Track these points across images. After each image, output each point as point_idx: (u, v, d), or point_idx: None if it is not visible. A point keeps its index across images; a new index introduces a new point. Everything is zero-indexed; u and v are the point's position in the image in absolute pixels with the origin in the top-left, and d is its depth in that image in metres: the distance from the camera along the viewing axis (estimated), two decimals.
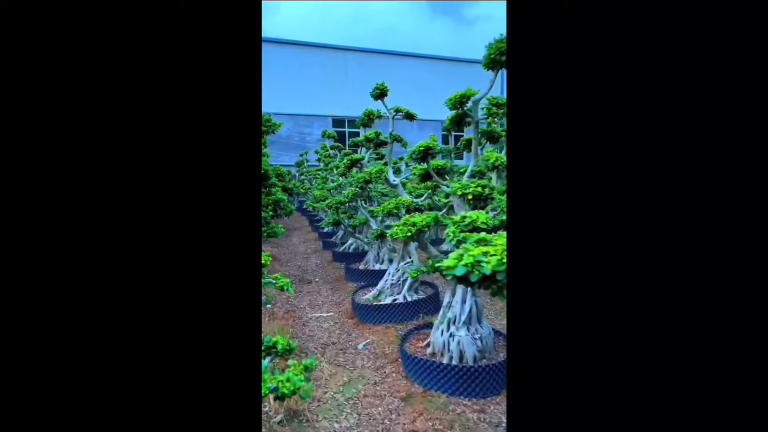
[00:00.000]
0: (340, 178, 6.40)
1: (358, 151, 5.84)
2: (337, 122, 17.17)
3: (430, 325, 3.20)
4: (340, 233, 7.27)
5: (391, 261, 5.34)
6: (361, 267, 5.29)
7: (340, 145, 8.14)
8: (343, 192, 4.66)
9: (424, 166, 2.72)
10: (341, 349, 3.33)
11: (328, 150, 8.63)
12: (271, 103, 13.88)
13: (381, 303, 3.83)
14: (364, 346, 3.35)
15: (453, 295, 2.72)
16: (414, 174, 3.22)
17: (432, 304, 3.86)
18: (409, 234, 2.53)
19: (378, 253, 5.31)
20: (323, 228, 6.39)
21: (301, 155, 12.20)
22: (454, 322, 2.62)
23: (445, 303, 2.72)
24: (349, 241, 6.52)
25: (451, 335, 2.60)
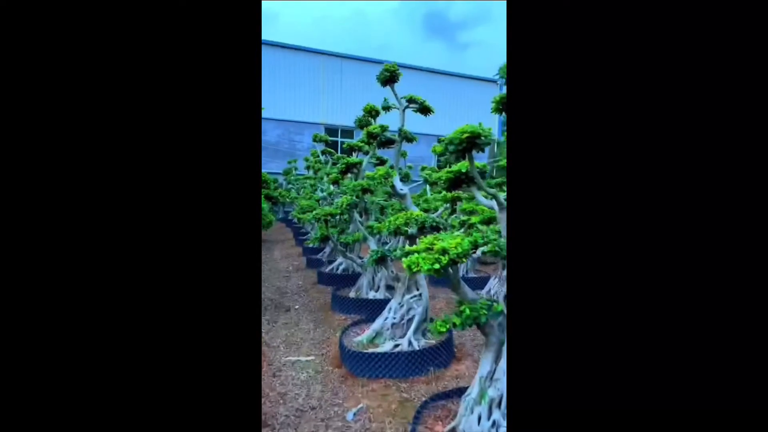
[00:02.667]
0: (332, 187, 5.51)
1: (354, 155, 4.97)
2: (330, 132, 16.36)
3: (452, 394, 2.28)
4: (328, 250, 6.33)
5: (389, 288, 4.42)
6: (352, 294, 4.35)
7: (332, 150, 7.29)
8: (335, 201, 3.76)
9: (462, 165, 1.85)
10: (323, 419, 2.38)
11: (318, 156, 7.76)
12: None
13: (378, 351, 2.90)
14: (354, 415, 2.41)
15: (496, 360, 1.81)
16: (435, 180, 2.35)
17: (446, 352, 2.94)
18: (437, 266, 1.64)
19: (373, 278, 4.39)
20: (310, 244, 5.46)
21: (290, 162, 11.38)
22: (499, 404, 1.71)
23: (483, 373, 1.81)
24: (338, 260, 5.58)
25: (494, 425, 1.68)
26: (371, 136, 3.17)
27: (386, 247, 4.10)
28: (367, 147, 4.61)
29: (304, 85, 16.23)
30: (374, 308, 4.07)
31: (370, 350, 2.91)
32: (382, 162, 4.68)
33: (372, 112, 4.00)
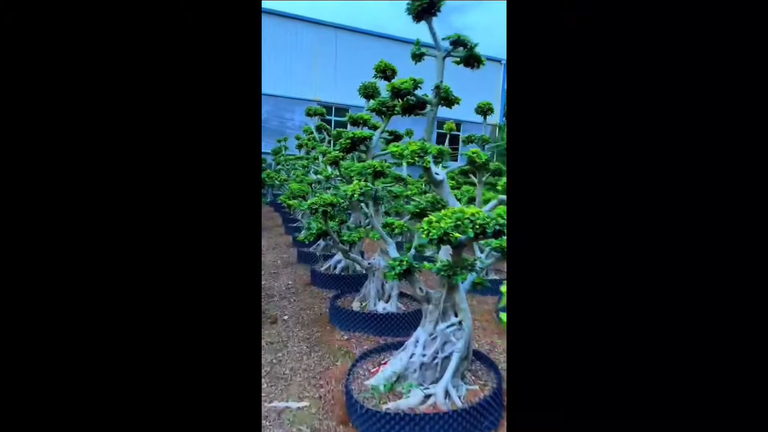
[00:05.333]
0: (328, 168, 4.54)
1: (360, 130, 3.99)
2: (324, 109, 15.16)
3: None
4: (323, 242, 5.40)
5: (402, 297, 3.52)
6: (356, 306, 3.45)
7: (327, 125, 6.27)
8: (341, 189, 2.82)
9: None
10: None
11: (312, 133, 6.73)
12: None
13: (403, 406, 2.01)
14: None
15: None
16: (485, 161, 1.48)
17: (496, 406, 2.07)
18: None
19: (383, 285, 3.49)
20: (302, 239, 4.52)
21: (279, 141, 10.31)
22: None
23: None
24: (336, 257, 4.67)
25: None
26: (397, 94, 2.20)
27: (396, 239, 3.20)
28: (374, 120, 3.64)
29: (295, 57, 14.93)
30: (385, 325, 3.19)
31: (392, 405, 2.02)
32: (396, 137, 3.71)
33: (387, 72, 3.01)
